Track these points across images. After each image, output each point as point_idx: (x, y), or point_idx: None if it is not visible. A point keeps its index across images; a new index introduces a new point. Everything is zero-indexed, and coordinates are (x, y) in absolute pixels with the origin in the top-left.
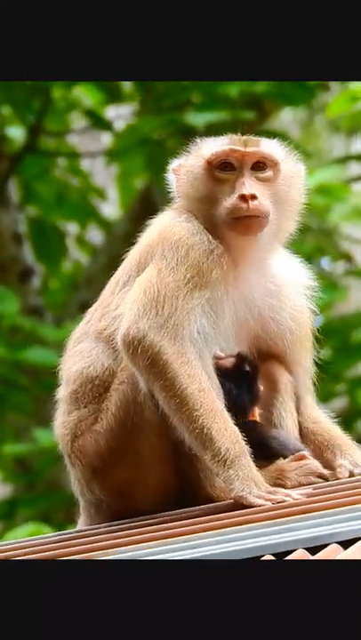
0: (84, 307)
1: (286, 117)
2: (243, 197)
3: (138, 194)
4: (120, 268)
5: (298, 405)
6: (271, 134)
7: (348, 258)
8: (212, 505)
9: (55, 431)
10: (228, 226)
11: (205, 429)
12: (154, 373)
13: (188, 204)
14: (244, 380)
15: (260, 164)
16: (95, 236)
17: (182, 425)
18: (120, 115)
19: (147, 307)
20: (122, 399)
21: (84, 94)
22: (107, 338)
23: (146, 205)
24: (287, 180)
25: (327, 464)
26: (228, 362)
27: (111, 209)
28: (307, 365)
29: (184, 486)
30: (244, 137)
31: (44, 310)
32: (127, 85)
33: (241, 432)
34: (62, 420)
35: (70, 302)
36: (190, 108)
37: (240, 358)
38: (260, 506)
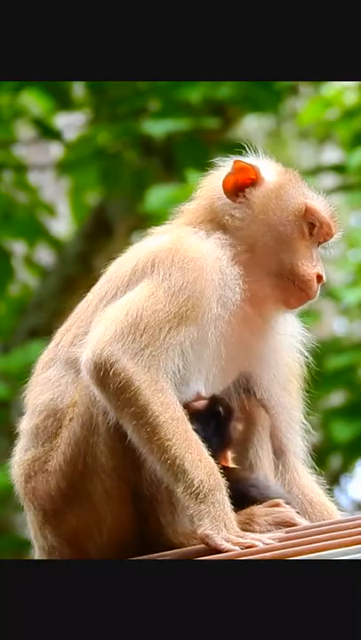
0: (34, 333)
1: (251, 125)
2: (319, 279)
3: (91, 210)
4: (103, 281)
5: (285, 463)
6: (235, 144)
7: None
8: (174, 551)
9: (12, 469)
10: (286, 287)
11: (178, 460)
12: (124, 400)
13: (250, 231)
14: (214, 420)
15: (324, 243)
16: (45, 256)
17: (153, 456)
18: (71, 124)
19: (125, 330)
20: (71, 437)
21: (32, 101)
22: (78, 365)
23: (100, 223)
24: None
25: None
26: (200, 404)
27: (62, 226)
28: (296, 417)
29: (144, 533)
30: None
31: None
32: (79, 91)
33: None
34: (18, 458)
35: (18, 329)
36: (148, 116)
37: (213, 400)
38: (226, 551)
